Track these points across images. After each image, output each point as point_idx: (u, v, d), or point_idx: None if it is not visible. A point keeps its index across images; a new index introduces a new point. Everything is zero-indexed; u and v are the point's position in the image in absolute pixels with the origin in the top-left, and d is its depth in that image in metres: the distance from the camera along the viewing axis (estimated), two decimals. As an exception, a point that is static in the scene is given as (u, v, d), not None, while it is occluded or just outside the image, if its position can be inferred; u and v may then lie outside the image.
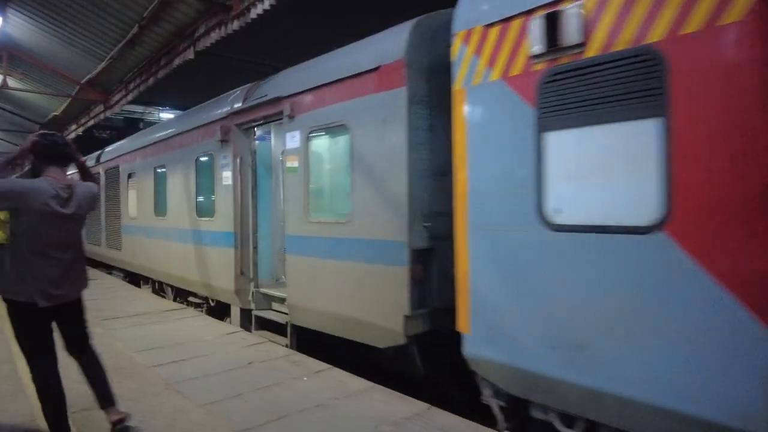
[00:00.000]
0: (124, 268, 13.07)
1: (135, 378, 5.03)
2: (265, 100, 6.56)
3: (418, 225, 4.73)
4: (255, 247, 7.31)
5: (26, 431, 3.84)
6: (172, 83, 13.82)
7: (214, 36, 10.07)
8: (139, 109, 22.73)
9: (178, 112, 21.59)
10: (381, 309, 4.91)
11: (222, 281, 7.64)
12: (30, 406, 4.26)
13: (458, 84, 4.10)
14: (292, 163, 6.05)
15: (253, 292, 7.27)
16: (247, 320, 7.43)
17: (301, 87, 6.06)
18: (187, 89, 16.44)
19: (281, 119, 6.43)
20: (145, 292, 11.37)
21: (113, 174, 13.48)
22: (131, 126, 22.74)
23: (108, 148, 14.96)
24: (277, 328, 6.78)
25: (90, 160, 15.70)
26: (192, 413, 4.13)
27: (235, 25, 9.33)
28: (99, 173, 14.45)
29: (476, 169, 3.95)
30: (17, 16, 13.89)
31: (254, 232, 7.33)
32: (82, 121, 20.16)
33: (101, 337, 6.60)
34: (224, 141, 7.38)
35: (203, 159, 8.35)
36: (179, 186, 9.21)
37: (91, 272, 14.94)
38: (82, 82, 16.44)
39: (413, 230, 4.69)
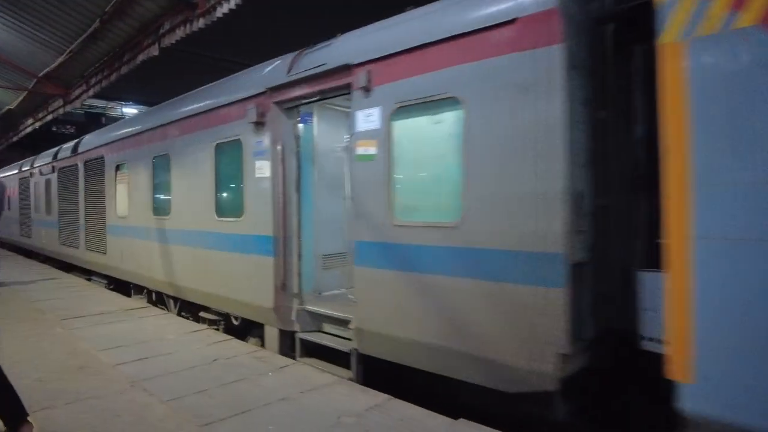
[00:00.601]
0: (108, 274, 9.94)
1: (99, 376, 4.52)
2: (324, 70, 4.89)
3: (575, 230, 3.30)
4: (300, 255, 5.55)
5: None
6: (136, 79, 11.95)
7: (180, 33, 8.94)
8: (101, 104, 21.45)
9: (141, 107, 20.89)
10: (517, 344, 3.42)
11: (253, 296, 5.71)
12: None
13: (670, 35, 2.75)
14: (367, 149, 4.50)
15: (297, 311, 5.40)
16: (287, 344, 5.53)
17: (384, 50, 4.34)
18: (152, 85, 14.02)
19: (347, 93, 4.73)
20: (106, 291, 9.62)
21: (96, 166, 10.32)
22: (93, 121, 21.71)
23: (88, 136, 11.70)
24: (330, 355, 5.04)
25: (65, 151, 12.38)
26: (157, 409, 3.76)
27: (201, 23, 8.33)
28: (77, 165, 11.34)
29: (710, 155, 2.59)
30: (-34, 4, 12.73)
31: (299, 237, 5.55)
32: (40, 115, 17.26)
33: (63, 337, 5.86)
34: (259, 123, 5.59)
35: (227, 146, 6.26)
36: (190, 179, 6.97)
37: (54, 272, 11.83)
38: (40, 75, 13.94)
39: (572, 238, 3.24)
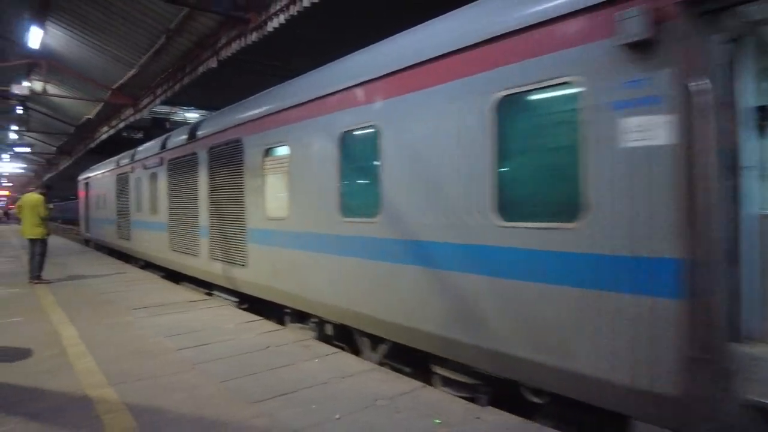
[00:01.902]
0: (246, 292, 7.27)
1: (162, 359, 4.83)
2: None
3: None
4: (736, 295, 3.04)
5: (72, 399, 3.86)
6: (196, 86, 12.62)
7: (235, 46, 9.51)
8: (164, 109, 23.14)
9: (203, 111, 22.12)
10: None
11: (605, 365, 3.06)
12: (76, 378, 4.34)
13: None
14: None
15: (738, 402, 2.67)
16: None
17: None
18: (210, 90, 14.88)
19: None
20: (170, 285, 9.41)
21: (228, 152, 7.59)
22: (158, 125, 22.91)
23: (212, 117, 8.89)
24: None
25: (177, 138, 9.88)
26: (209, 388, 4.04)
27: (254, 36, 8.86)
28: (195, 154, 8.71)
29: None
30: (55, 28, 12.74)
31: (735, 259, 3.02)
32: (113, 123, 18.87)
33: (132, 324, 6.25)
34: (644, 44, 2.88)
35: (527, 99, 3.59)
36: (426, 161, 4.31)
37: (121, 267, 12.55)
38: (113, 87, 15.41)
39: None
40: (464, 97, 3.96)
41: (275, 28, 8.35)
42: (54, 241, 10.84)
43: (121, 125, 18.13)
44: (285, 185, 6.24)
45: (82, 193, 20.71)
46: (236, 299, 7.78)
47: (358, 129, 5.06)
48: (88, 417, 3.54)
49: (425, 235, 4.30)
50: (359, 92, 5.00)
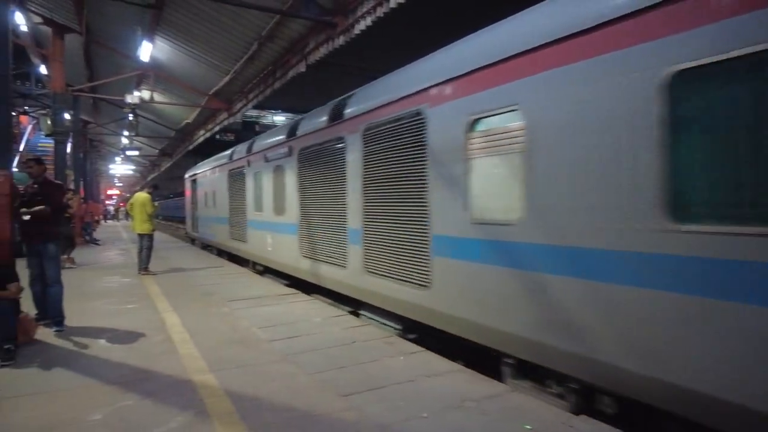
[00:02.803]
0: (426, 322, 5.21)
1: (256, 349, 5.07)
2: None
3: None
4: None
5: (179, 381, 4.17)
6: (285, 90, 13.25)
7: (323, 50, 9.82)
8: (253, 113, 22.67)
9: (290, 115, 23.10)
10: None
11: None
12: (181, 362, 4.66)
13: None
14: None
15: None
16: None
17: None
18: (299, 94, 15.65)
19: None
20: (261, 279, 9.83)
21: (397, 132, 5.55)
22: (248, 129, 24.02)
23: (362, 90, 6.76)
24: None
25: (312, 121, 7.94)
26: (302, 379, 4.20)
27: (341, 40, 9.08)
28: (342, 138, 6.84)
29: None
30: (162, 41, 13.85)
31: None
32: (209, 126, 20.29)
33: (228, 315, 6.63)
34: None
35: None
36: None
37: (218, 261, 13.42)
38: (210, 93, 16.50)
39: None
40: None
41: (362, 31, 8.51)
42: (156, 236, 11.73)
43: (216, 128, 19.43)
44: (515, 173, 4.04)
45: (188, 192, 19.68)
46: (399, 326, 5.87)
47: (728, 60, 2.63)
48: (193, 399, 3.83)
49: None
50: None
